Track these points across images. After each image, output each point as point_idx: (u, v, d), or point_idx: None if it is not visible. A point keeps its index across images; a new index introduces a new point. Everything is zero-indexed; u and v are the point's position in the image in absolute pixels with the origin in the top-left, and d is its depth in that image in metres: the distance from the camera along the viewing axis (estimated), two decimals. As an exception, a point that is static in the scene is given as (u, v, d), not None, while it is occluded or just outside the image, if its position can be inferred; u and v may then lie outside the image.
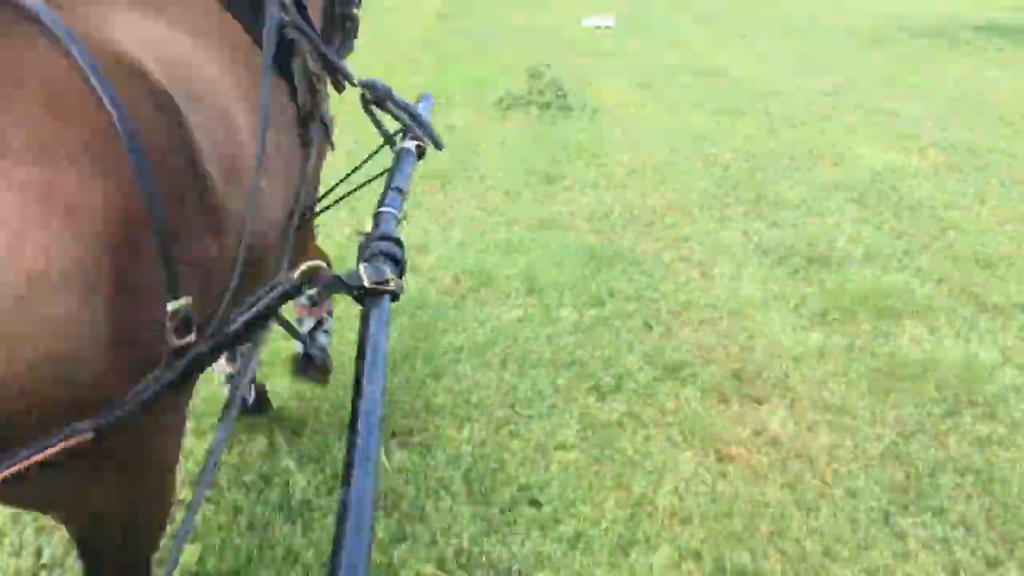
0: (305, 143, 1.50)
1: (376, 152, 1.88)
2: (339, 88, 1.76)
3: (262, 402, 2.38)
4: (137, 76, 0.92)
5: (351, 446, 0.98)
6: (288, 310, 1.72)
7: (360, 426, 1.01)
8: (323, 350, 2.25)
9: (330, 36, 1.89)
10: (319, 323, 2.34)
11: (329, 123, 1.62)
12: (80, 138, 0.83)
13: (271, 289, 1.13)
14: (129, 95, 0.87)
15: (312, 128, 1.52)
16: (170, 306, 0.91)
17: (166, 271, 0.90)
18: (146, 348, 0.91)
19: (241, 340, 1.10)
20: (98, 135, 0.83)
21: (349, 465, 0.94)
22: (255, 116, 1.18)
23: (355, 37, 2.02)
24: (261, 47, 1.27)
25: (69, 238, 0.79)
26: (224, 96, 1.12)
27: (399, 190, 1.59)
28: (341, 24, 1.94)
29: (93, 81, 0.83)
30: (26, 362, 0.78)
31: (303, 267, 1.17)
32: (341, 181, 1.97)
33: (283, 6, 1.37)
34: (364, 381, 1.09)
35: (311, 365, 1.95)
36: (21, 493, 0.92)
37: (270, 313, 1.14)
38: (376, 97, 1.73)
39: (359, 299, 1.25)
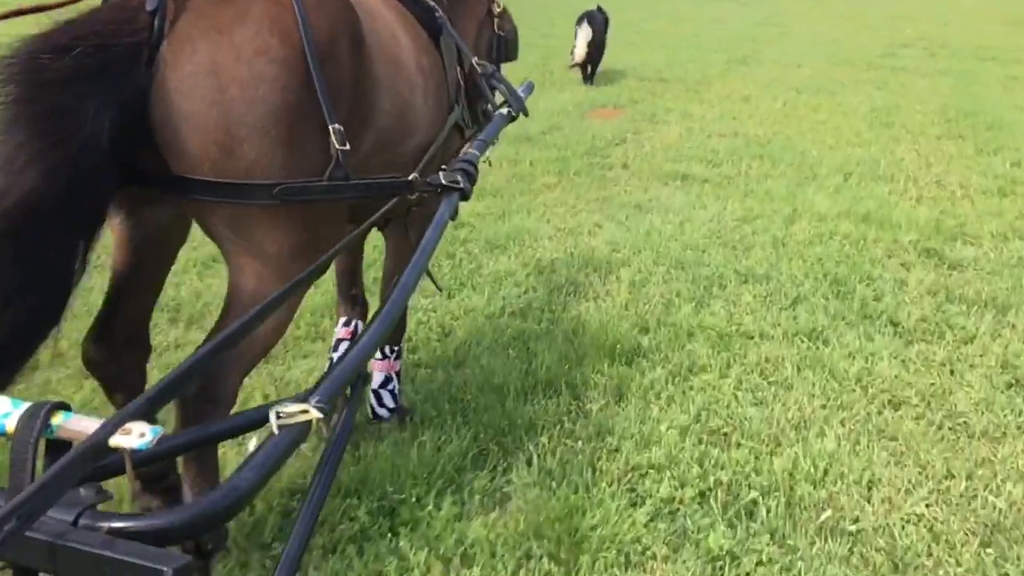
0: (449, 100, 2.05)
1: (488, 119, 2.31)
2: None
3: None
4: None
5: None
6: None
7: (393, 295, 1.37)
8: (394, 409, 2.48)
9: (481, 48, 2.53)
10: (387, 380, 2.42)
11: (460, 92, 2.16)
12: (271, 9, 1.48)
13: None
14: None
15: (456, 92, 2.07)
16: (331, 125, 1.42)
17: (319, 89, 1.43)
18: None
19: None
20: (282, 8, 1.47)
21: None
22: (412, 38, 1.84)
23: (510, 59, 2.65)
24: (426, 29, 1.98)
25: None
26: (390, 23, 1.80)
27: (485, 141, 2.06)
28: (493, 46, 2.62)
29: None
30: None
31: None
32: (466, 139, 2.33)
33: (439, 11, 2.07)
34: (408, 267, 1.45)
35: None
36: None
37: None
38: (485, 73, 2.27)
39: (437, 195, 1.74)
